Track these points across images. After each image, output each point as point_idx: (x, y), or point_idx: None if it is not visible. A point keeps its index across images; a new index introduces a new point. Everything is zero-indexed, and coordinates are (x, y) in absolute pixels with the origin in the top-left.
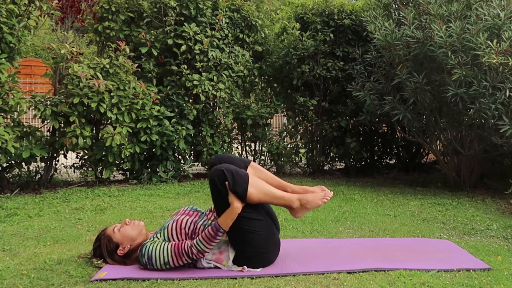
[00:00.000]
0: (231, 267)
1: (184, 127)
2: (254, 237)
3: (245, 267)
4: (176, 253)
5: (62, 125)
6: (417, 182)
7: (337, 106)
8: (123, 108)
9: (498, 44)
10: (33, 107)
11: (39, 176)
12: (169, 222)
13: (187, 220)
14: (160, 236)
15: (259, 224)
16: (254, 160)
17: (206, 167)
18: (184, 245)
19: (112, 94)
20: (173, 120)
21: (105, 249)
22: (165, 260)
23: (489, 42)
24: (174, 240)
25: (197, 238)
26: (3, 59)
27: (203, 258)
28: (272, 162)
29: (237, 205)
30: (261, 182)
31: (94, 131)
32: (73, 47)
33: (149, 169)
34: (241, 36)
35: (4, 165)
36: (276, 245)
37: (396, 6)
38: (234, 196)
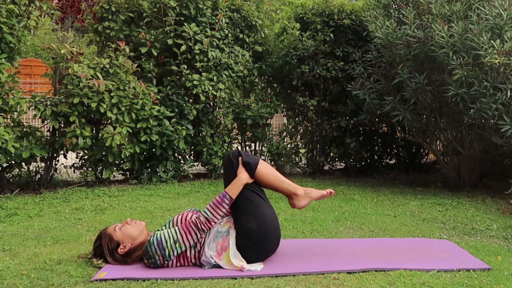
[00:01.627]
0: (234, 255)
1: (184, 127)
2: (257, 209)
3: (245, 266)
4: (185, 229)
5: (62, 125)
6: (417, 182)
7: (337, 106)
8: (123, 108)
9: (501, 44)
10: (33, 107)
11: (39, 176)
12: (174, 216)
13: (192, 215)
14: (166, 228)
15: (262, 202)
16: None
17: (206, 167)
18: (192, 217)
19: (112, 94)
20: (173, 120)
21: (106, 248)
22: (175, 238)
23: (492, 42)
24: None
25: (205, 208)
26: (3, 59)
27: (209, 248)
28: (272, 162)
29: (243, 175)
30: (270, 167)
31: (94, 131)
32: (73, 47)
33: (149, 169)
34: (241, 36)
35: (4, 165)
36: (277, 231)
37: (396, 6)
38: (244, 169)
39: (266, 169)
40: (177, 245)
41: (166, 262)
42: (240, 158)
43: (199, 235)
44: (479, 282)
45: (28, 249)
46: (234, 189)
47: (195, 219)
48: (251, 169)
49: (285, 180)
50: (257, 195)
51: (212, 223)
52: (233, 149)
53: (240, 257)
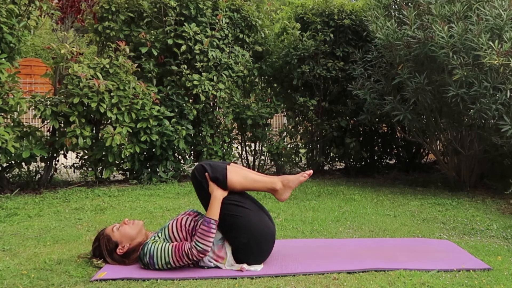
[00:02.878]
0: (232, 264)
1: (184, 127)
2: (243, 222)
3: (244, 266)
4: (177, 255)
5: (62, 125)
6: (417, 182)
7: (337, 106)
8: (123, 108)
9: (499, 45)
10: (33, 107)
11: (39, 176)
12: (170, 222)
13: (187, 219)
14: (161, 235)
15: (246, 211)
16: (254, 160)
17: None
18: (185, 247)
19: (112, 94)
20: (173, 120)
21: (104, 248)
22: (166, 260)
23: (490, 43)
24: (175, 238)
25: (194, 239)
26: (3, 59)
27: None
28: (272, 162)
29: (216, 194)
30: (241, 169)
31: (94, 131)
32: (73, 47)
33: (149, 169)
34: (241, 36)
35: (4, 165)
36: (270, 232)
37: (397, 6)
38: (214, 184)
39: (236, 176)
40: (168, 266)
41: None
42: (206, 174)
43: (190, 263)
44: (479, 282)
45: (28, 249)
46: (214, 210)
47: (187, 250)
48: (221, 183)
49: (260, 178)
50: (238, 207)
51: (206, 253)
52: (199, 164)
53: (236, 265)
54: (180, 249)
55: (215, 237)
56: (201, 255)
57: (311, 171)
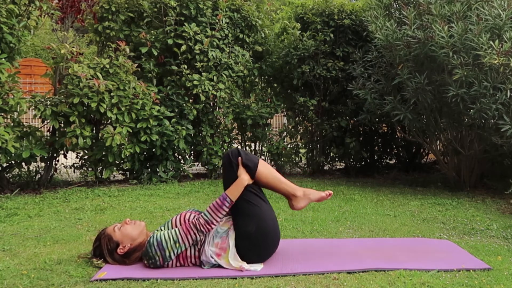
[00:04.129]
0: (234, 256)
1: (184, 127)
2: (257, 211)
3: (244, 266)
4: (185, 230)
5: (62, 125)
6: (417, 182)
7: (337, 106)
8: (123, 108)
9: (500, 45)
10: (33, 107)
11: (39, 176)
12: (172, 217)
13: (190, 215)
14: (165, 228)
15: (263, 203)
16: None
17: (206, 167)
18: (192, 219)
19: (112, 94)
20: (173, 120)
21: (105, 248)
22: (174, 239)
23: (491, 42)
24: None
25: (205, 210)
26: (3, 59)
27: (209, 248)
28: (272, 162)
29: (244, 177)
30: (270, 167)
31: (94, 131)
32: (73, 47)
33: (149, 169)
34: (241, 36)
35: (4, 165)
36: (276, 233)
37: (397, 6)
38: (244, 169)
39: (266, 170)
40: (177, 245)
41: (166, 263)
42: (239, 158)
43: (198, 236)
44: (479, 282)
45: (28, 249)
46: (235, 191)
47: (195, 221)
48: (251, 170)
49: (284, 180)
50: (257, 197)
51: (212, 226)
52: (233, 148)
53: (238, 259)
54: (187, 221)
55: (221, 230)
56: (207, 226)
57: (331, 192)
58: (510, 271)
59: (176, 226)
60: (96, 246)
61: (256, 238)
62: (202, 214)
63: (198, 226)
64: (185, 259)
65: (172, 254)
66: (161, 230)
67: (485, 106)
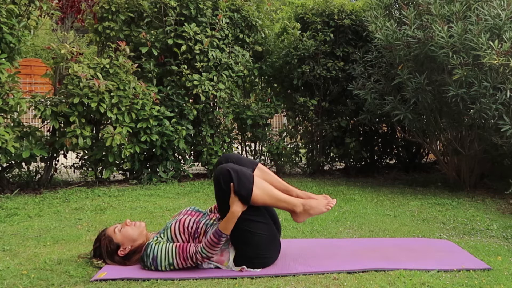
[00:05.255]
0: (231, 267)
1: (184, 127)
2: (256, 239)
3: (245, 267)
4: (181, 256)
5: (62, 125)
6: (417, 182)
7: (337, 106)
8: (123, 108)
9: (499, 45)
10: (33, 107)
11: (39, 176)
12: (172, 222)
13: (190, 220)
14: (164, 237)
15: (262, 227)
16: None
17: (206, 167)
18: (189, 249)
19: (112, 94)
20: (173, 120)
21: (105, 249)
22: (170, 261)
23: (490, 42)
24: (177, 240)
25: (201, 244)
26: (3, 59)
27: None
28: (272, 162)
29: (235, 209)
30: (266, 184)
31: (94, 131)
32: (73, 47)
33: (149, 169)
34: (241, 36)
35: (4, 165)
36: (277, 248)
37: (397, 6)
38: (237, 197)
39: (261, 193)
40: (172, 267)
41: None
42: (231, 184)
43: (194, 265)
44: (479, 282)
45: (28, 249)
46: (229, 225)
47: (192, 254)
48: (244, 199)
49: (283, 198)
50: (253, 222)
51: (210, 259)
52: (225, 169)
53: (237, 267)
54: (185, 251)
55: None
56: (205, 260)
57: (335, 201)
58: (510, 271)
59: (175, 235)
60: (96, 247)
61: (256, 260)
62: (199, 250)
63: (195, 259)
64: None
65: (165, 270)
66: (161, 238)
67: (485, 106)
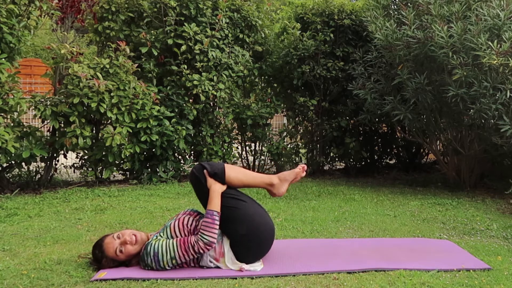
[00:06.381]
0: (232, 260)
1: (184, 127)
2: (240, 213)
3: (244, 266)
4: (183, 248)
5: (62, 125)
6: (417, 182)
7: (337, 106)
8: (123, 108)
9: (498, 45)
10: (33, 107)
11: (39, 176)
12: (171, 222)
13: (189, 219)
14: (163, 235)
15: (243, 204)
16: (254, 160)
17: None
18: (191, 239)
19: (112, 94)
20: (173, 120)
21: (108, 267)
22: (172, 255)
23: (489, 43)
24: (177, 237)
25: (199, 232)
26: (3, 59)
27: (207, 254)
28: (272, 162)
29: (215, 186)
30: (238, 167)
31: (94, 131)
32: (73, 47)
33: (149, 169)
34: (241, 36)
35: (4, 165)
36: (268, 225)
37: (396, 6)
38: (212, 179)
39: (234, 172)
40: (174, 261)
41: (162, 271)
42: (205, 171)
43: (195, 256)
44: (479, 282)
45: (28, 249)
46: (214, 203)
47: (193, 243)
48: (219, 177)
49: (257, 175)
50: (236, 200)
51: (212, 246)
52: (218, 161)
53: (236, 261)
54: (186, 242)
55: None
56: (207, 247)
57: (305, 165)
58: (510, 271)
59: (175, 232)
60: (97, 266)
61: (250, 239)
62: (200, 237)
63: (197, 249)
64: (184, 265)
65: (167, 266)
66: (160, 236)
67: (485, 106)
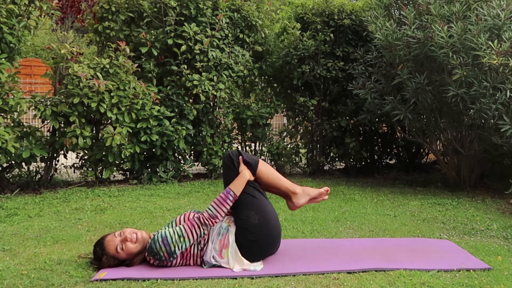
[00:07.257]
0: (234, 255)
1: (184, 127)
2: (258, 203)
3: (245, 264)
4: (189, 224)
5: (62, 125)
6: (417, 182)
7: (337, 106)
8: (123, 108)
9: (498, 45)
10: (33, 107)
11: (39, 176)
12: (176, 217)
13: (194, 215)
14: (169, 227)
15: (263, 199)
16: None
17: (206, 167)
18: (196, 215)
19: (112, 94)
20: (173, 120)
21: (108, 266)
22: (179, 233)
23: (490, 42)
24: None
25: (209, 205)
26: (3, 59)
27: (212, 248)
28: (272, 162)
29: (246, 172)
30: (270, 166)
31: (94, 131)
32: (73, 47)
33: (149, 169)
34: (241, 36)
35: (4, 165)
36: (278, 227)
37: (397, 6)
38: (245, 166)
39: (266, 168)
40: (182, 239)
41: (171, 259)
42: (240, 157)
43: (202, 230)
44: (479, 282)
45: (28, 249)
46: (238, 186)
47: (199, 215)
48: (252, 167)
49: (284, 179)
50: (258, 191)
51: (216, 220)
52: (233, 149)
53: (239, 255)
54: (192, 219)
55: (221, 226)
56: (211, 220)
57: (328, 189)
58: (510, 271)
59: (180, 223)
60: (98, 264)
61: (259, 229)
62: (206, 209)
63: (202, 220)
64: (188, 258)
65: (177, 249)
66: (165, 229)
67: (485, 106)
